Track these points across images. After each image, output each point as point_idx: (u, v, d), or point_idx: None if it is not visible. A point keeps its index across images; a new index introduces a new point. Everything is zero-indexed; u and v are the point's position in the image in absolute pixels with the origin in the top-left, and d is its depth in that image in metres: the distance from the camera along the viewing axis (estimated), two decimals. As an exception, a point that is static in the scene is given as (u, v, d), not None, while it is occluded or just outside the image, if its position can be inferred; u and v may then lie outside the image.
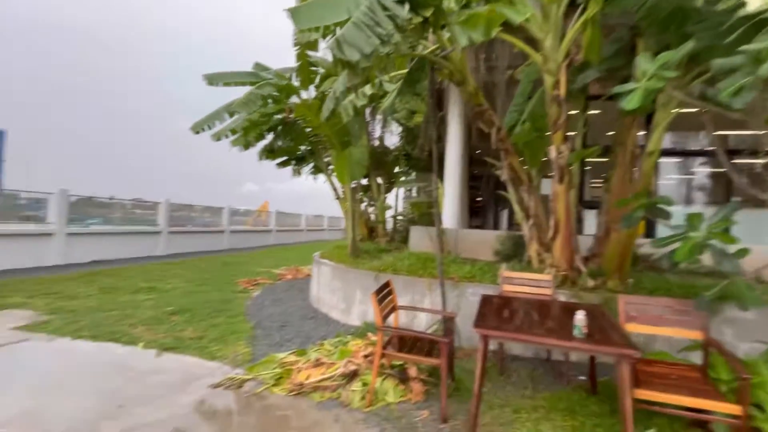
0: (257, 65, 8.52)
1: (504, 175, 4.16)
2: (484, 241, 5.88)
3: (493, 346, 3.65)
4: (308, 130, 8.76)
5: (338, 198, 9.08)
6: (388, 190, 9.35)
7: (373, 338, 4.03)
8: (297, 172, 10.15)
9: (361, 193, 9.06)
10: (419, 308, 3.80)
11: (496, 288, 3.99)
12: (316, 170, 9.79)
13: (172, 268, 8.92)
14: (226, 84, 7.65)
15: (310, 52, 7.63)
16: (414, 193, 11.17)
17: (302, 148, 9.40)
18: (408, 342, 2.99)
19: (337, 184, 9.19)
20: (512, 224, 9.26)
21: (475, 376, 2.36)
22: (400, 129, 5.25)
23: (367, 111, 8.46)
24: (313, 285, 6.08)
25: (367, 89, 3.79)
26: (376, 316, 2.75)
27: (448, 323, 3.16)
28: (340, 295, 4.99)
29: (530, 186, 4.04)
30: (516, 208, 4.56)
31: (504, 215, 13.54)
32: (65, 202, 8.86)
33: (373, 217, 9.53)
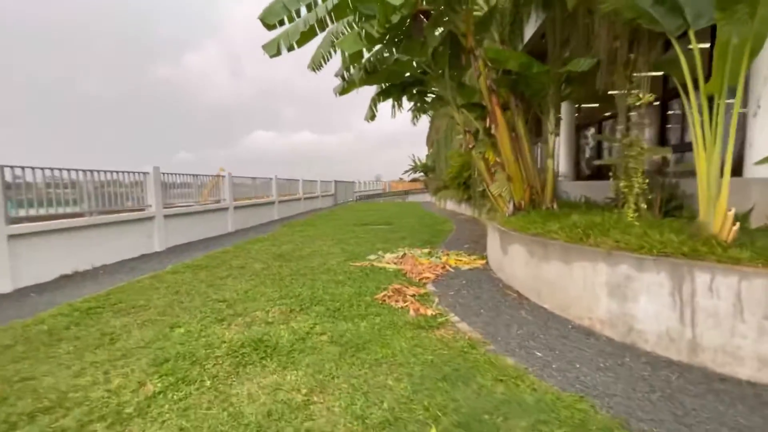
0: None
1: None
2: None
3: None
4: (439, 31, 5.16)
5: (474, 144, 5.81)
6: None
7: None
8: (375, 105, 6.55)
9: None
10: None
11: None
12: (423, 104, 6.20)
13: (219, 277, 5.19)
14: None
15: None
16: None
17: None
18: None
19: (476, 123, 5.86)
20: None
21: None
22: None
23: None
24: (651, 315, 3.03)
25: None
26: None
27: None
28: None
29: None
30: None
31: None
32: (159, 182, 7.69)
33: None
